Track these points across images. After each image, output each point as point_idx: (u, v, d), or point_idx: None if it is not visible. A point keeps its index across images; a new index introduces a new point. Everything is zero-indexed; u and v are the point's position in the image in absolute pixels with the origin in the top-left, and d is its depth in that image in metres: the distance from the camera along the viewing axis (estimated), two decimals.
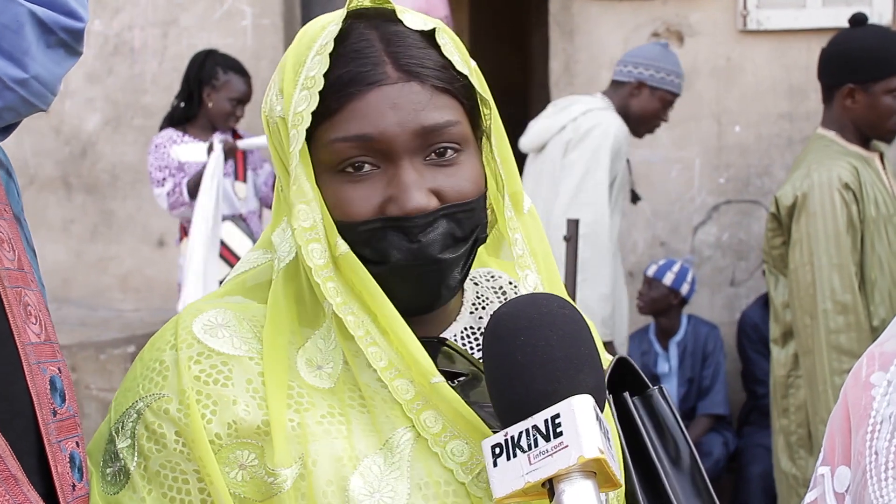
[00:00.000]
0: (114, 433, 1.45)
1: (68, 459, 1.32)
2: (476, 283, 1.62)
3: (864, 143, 4.34)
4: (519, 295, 1.48)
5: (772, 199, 4.38)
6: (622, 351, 5.27)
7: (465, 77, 1.47)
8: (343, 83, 1.42)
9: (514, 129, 9.86)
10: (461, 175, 1.45)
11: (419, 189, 1.42)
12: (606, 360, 1.59)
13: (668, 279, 6.21)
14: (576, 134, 5.15)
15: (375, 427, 1.43)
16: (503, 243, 1.63)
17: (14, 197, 1.47)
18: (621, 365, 1.61)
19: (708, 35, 6.53)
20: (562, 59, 6.75)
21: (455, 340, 1.55)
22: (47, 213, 7.84)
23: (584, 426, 1.28)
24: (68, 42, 1.39)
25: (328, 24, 1.45)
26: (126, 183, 7.61)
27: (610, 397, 1.57)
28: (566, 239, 4.74)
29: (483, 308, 1.60)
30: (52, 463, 1.29)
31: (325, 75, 1.42)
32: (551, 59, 6.80)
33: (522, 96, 9.63)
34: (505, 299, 1.61)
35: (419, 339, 1.45)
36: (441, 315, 1.54)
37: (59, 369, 1.36)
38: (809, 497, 1.57)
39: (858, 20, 4.35)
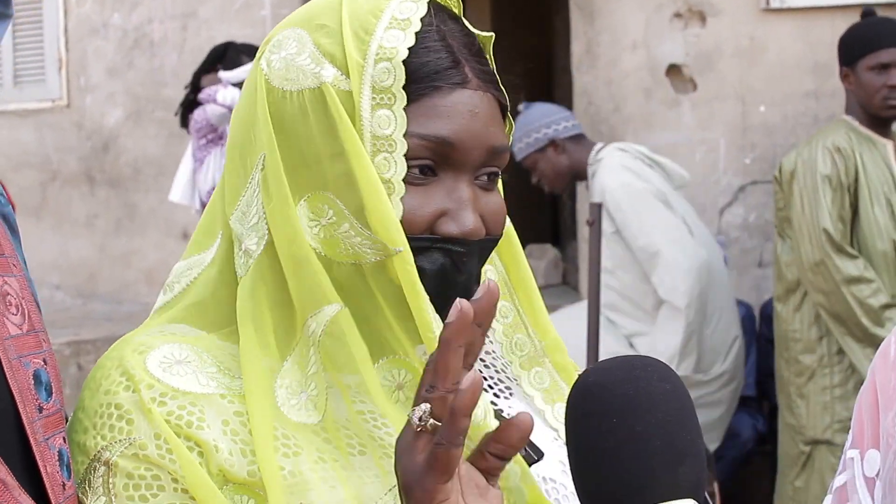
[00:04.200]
0: (80, 496, 1.25)
1: (57, 457, 1.22)
2: None
3: (880, 128, 4.68)
4: (612, 357, 1.29)
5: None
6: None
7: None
8: (426, 73, 1.25)
9: None
10: (497, 202, 1.31)
11: (475, 210, 1.26)
12: None
13: None
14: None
15: (380, 467, 1.25)
16: None
17: None
18: None
19: (730, 14, 6.46)
20: (583, 41, 6.69)
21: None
22: (71, 209, 7.85)
23: None
24: None
25: None
26: (149, 176, 7.60)
27: None
28: (589, 223, 4.72)
29: None
30: (40, 463, 1.19)
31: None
32: (573, 42, 6.75)
33: (545, 81, 9.57)
34: None
35: None
36: None
37: (44, 360, 1.24)
38: (839, 480, 1.52)
39: (866, 14, 4.77)
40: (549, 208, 9.50)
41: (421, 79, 1.24)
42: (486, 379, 1.40)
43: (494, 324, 1.40)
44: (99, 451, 1.24)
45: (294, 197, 1.26)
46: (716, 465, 5.61)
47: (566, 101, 7.13)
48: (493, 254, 1.39)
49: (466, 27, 1.32)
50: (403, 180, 1.24)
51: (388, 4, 1.26)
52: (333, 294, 1.25)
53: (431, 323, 1.22)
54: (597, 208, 4.79)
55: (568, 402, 1.19)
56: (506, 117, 1.33)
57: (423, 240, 1.25)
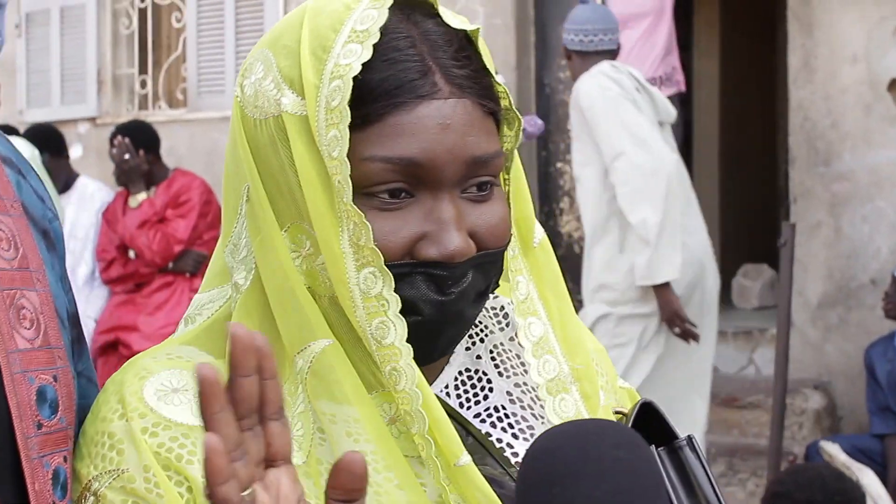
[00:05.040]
0: None
1: (51, 476, 1.20)
2: None
3: None
4: (564, 422, 1.21)
5: None
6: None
7: (500, 91, 1.25)
8: (386, 89, 1.16)
9: (762, 131, 9.46)
10: (494, 212, 1.22)
11: (460, 229, 1.18)
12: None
13: None
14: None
15: None
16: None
17: (27, 194, 1.32)
18: (645, 410, 1.30)
19: None
20: (800, 54, 6.46)
21: (447, 392, 1.30)
22: None
23: None
24: None
25: (355, 6, 1.19)
26: None
27: None
28: (781, 245, 4.56)
29: (481, 341, 1.35)
30: (28, 481, 1.17)
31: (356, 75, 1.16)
32: (790, 55, 6.53)
33: (769, 92, 9.30)
34: (507, 324, 1.36)
35: None
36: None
37: (54, 377, 1.22)
38: None
39: None
40: (768, 226, 9.21)
41: (381, 96, 1.17)
42: (507, 416, 1.31)
43: (524, 342, 1.30)
44: (90, 481, 1.21)
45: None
46: None
47: (785, 115, 6.90)
48: (522, 263, 1.31)
49: (446, 24, 1.21)
50: (375, 205, 1.18)
51: (350, 15, 1.18)
52: (323, 328, 1.20)
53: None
54: (790, 228, 4.62)
55: (520, 466, 1.12)
56: (500, 119, 1.24)
57: (402, 266, 1.18)
